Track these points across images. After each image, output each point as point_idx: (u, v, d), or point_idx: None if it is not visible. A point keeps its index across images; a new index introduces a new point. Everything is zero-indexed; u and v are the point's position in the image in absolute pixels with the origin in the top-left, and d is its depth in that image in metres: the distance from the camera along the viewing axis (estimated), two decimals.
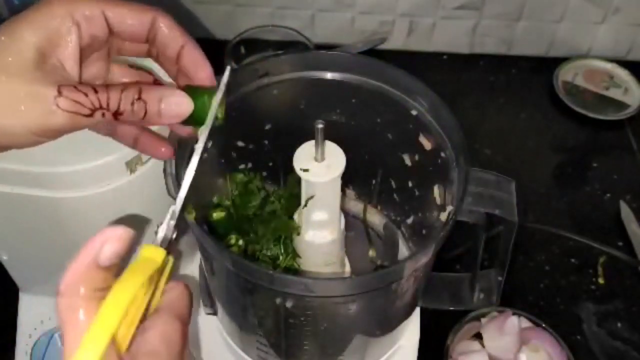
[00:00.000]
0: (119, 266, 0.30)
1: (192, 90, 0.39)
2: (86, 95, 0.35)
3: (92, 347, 0.26)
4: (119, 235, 0.29)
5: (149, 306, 0.32)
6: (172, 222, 0.34)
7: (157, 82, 0.42)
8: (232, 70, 0.41)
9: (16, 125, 0.34)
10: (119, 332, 0.29)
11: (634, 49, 0.94)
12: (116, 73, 0.41)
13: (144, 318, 0.31)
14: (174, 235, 0.34)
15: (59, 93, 0.34)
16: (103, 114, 0.36)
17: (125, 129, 0.42)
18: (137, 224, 0.31)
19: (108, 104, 0.35)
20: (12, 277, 0.62)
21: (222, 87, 0.40)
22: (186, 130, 0.42)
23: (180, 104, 0.38)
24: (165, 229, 0.34)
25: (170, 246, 0.34)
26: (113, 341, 0.28)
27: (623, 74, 0.92)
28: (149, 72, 0.42)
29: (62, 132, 0.35)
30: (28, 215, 0.53)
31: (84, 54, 0.38)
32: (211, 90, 0.40)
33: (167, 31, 0.39)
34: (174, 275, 0.34)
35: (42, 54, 0.35)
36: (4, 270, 0.61)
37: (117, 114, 0.36)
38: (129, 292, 0.28)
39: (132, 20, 0.38)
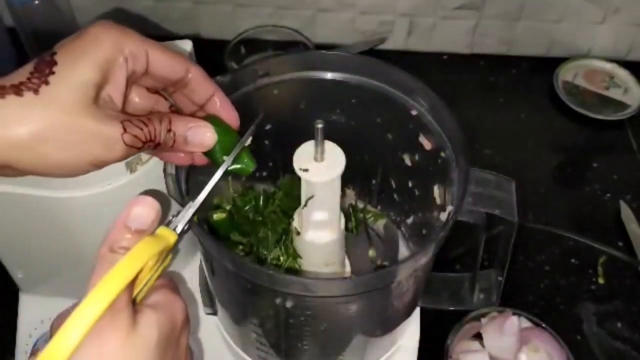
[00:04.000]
0: (146, 233, 0.34)
1: (215, 123, 0.42)
2: (141, 129, 0.37)
3: (98, 297, 0.30)
4: (148, 202, 0.34)
5: (147, 283, 0.35)
6: (189, 214, 0.37)
7: (172, 107, 0.43)
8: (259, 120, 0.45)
9: (77, 159, 0.36)
10: None
11: (634, 49, 0.94)
12: (134, 96, 0.42)
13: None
14: (185, 228, 0.37)
15: (124, 130, 0.36)
16: (149, 146, 0.38)
17: None
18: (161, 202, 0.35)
19: (155, 136, 0.38)
20: (12, 277, 0.62)
21: (253, 127, 0.44)
22: (203, 160, 0.43)
23: (206, 134, 0.41)
24: (182, 219, 0.37)
25: (179, 237, 0.36)
26: (129, 295, 0.32)
27: (623, 74, 0.92)
28: (163, 95, 0.43)
29: (113, 163, 0.37)
30: (28, 215, 0.53)
31: None
32: (232, 129, 0.44)
33: (200, 81, 0.42)
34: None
35: (98, 90, 0.36)
36: (4, 270, 0.61)
37: (157, 145, 0.39)
38: (141, 257, 0.32)
39: (168, 66, 0.40)
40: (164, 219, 0.36)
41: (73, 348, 0.29)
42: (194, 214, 0.38)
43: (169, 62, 0.40)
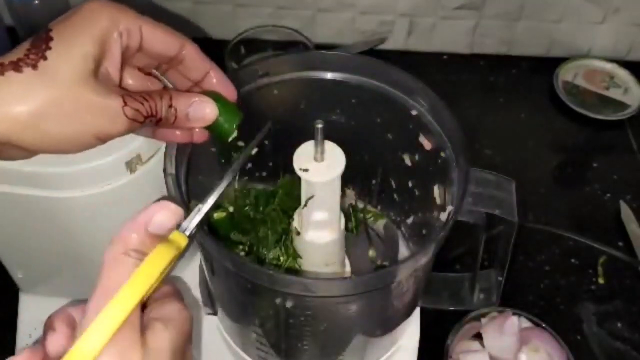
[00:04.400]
0: (161, 239, 0.33)
1: (215, 98, 0.42)
2: (142, 104, 0.37)
3: (122, 302, 0.30)
4: (173, 209, 0.34)
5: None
6: (199, 217, 0.37)
7: (165, 88, 0.43)
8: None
9: (81, 133, 0.36)
10: None
11: (634, 49, 0.94)
12: (128, 78, 0.42)
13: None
14: (194, 231, 0.37)
15: (125, 103, 0.36)
16: (151, 121, 0.38)
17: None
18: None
19: (156, 111, 0.38)
20: (12, 277, 0.62)
21: (260, 135, 0.45)
22: (203, 137, 0.44)
23: (206, 109, 0.41)
24: (191, 222, 0.37)
25: (190, 240, 0.36)
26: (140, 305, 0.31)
27: (623, 74, 0.92)
28: (155, 76, 0.43)
29: (117, 136, 0.37)
30: (28, 215, 0.53)
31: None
32: (232, 103, 0.44)
33: (195, 57, 0.42)
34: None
35: (97, 64, 0.36)
36: (4, 270, 0.61)
37: (159, 120, 0.39)
38: (160, 264, 0.32)
39: (163, 42, 0.40)
40: None
41: (96, 353, 0.29)
42: (204, 217, 0.38)
43: (163, 37, 0.40)
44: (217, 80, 0.43)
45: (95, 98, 0.35)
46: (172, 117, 0.40)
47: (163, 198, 0.35)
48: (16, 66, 0.34)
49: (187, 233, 0.36)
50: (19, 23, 0.80)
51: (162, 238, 0.34)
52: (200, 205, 0.38)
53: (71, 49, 0.35)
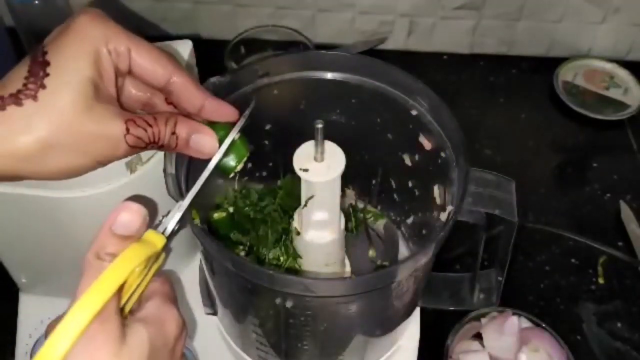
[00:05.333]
0: (132, 239, 0.33)
1: (223, 128, 0.41)
2: (145, 130, 0.37)
3: (87, 304, 0.30)
4: (133, 209, 0.34)
5: (137, 289, 0.35)
6: (178, 215, 0.37)
7: (167, 99, 0.42)
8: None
9: (84, 161, 0.36)
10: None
11: (634, 49, 0.94)
12: (130, 87, 0.41)
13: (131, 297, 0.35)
14: (175, 228, 0.37)
15: (127, 131, 0.36)
16: (152, 147, 0.38)
17: None
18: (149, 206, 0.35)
19: (159, 138, 0.38)
20: (12, 277, 0.62)
21: (242, 120, 0.43)
22: None
23: (206, 145, 0.41)
24: (171, 220, 0.37)
25: (169, 238, 0.36)
26: (116, 302, 0.32)
27: (623, 74, 0.92)
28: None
29: (117, 160, 0.37)
30: (28, 215, 0.53)
31: None
32: (240, 138, 0.43)
33: (186, 90, 0.40)
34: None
35: (97, 86, 0.36)
36: (4, 270, 0.61)
37: (160, 146, 0.39)
38: (128, 264, 0.32)
39: (150, 70, 0.39)
40: (151, 223, 0.36)
41: (62, 356, 0.29)
42: (183, 214, 0.38)
43: (150, 65, 0.38)
44: (215, 112, 0.41)
45: (98, 128, 0.35)
46: (173, 143, 0.39)
47: (132, 198, 0.35)
48: (17, 99, 0.33)
49: (160, 230, 0.36)
50: (20, 24, 0.80)
51: (133, 238, 0.34)
52: (180, 202, 0.38)
53: (69, 75, 0.34)
